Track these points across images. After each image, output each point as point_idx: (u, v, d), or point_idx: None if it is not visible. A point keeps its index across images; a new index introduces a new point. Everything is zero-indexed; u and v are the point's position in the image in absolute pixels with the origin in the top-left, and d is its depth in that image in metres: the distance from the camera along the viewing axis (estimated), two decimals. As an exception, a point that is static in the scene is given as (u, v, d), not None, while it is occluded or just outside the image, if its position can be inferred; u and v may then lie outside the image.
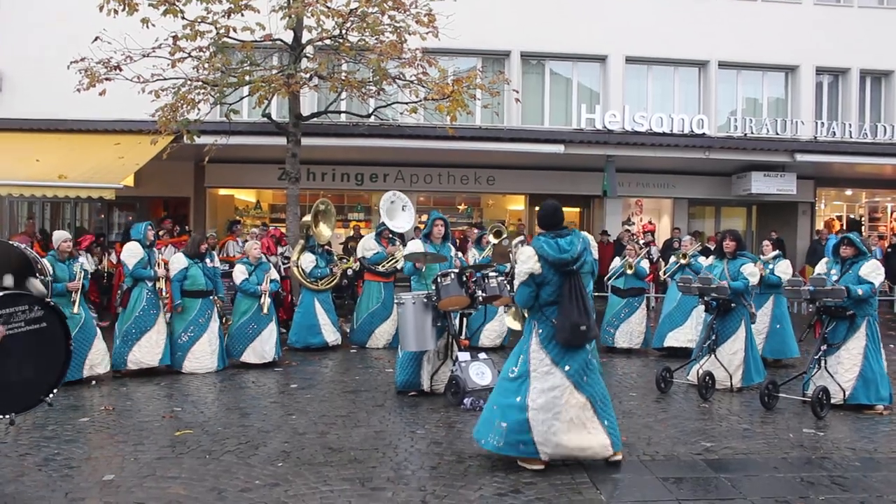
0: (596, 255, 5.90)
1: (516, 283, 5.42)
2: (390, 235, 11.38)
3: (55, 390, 4.71)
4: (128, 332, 8.74)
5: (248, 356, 9.41)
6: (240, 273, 9.58)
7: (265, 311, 9.49)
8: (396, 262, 11.15)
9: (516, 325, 7.01)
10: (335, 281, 11.16)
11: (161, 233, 14.05)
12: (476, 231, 13.51)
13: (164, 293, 8.95)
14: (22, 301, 4.45)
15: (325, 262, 11.00)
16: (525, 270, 5.28)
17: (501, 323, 10.84)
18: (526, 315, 5.59)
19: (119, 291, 11.27)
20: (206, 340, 9.08)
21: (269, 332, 9.53)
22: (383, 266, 11.14)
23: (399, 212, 11.03)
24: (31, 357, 4.48)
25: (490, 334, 10.74)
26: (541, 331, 5.34)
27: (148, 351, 8.74)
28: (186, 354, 8.99)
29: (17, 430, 6.05)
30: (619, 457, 5.39)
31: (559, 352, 5.26)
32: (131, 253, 8.87)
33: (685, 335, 10.21)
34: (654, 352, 10.60)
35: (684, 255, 10.53)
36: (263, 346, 9.46)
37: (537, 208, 5.76)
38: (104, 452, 5.72)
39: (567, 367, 5.25)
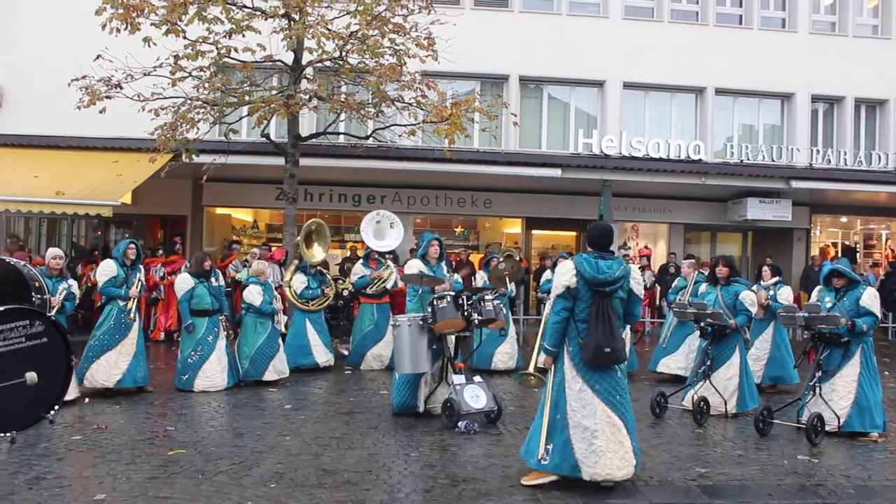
0: (642, 291, 5.88)
1: (552, 296, 5.51)
2: (377, 257, 11.36)
3: (56, 406, 4.66)
4: (90, 348, 8.66)
5: (269, 374, 9.49)
6: (257, 294, 9.58)
7: (282, 328, 9.64)
8: (385, 282, 11.12)
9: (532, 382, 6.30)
10: (327, 302, 11.11)
11: (159, 251, 14.06)
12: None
13: (132, 314, 8.73)
14: (22, 316, 4.43)
15: (318, 284, 10.95)
16: (563, 283, 5.39)
17: (513, 345, 10.91)
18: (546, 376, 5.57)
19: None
20: (216, 359, 9.07)
21: (282, 347, 9.75)
22: (371, 289, 11.09)
23: (388, 230, 11.06)
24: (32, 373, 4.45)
25: (503, 357, 10.78)
26: (571, 349, 5.42)
27: (104, 370, 8.56)
28: (197, 373, 8.96)
29: (7, 448, 6.02)
30: (611, 482, 5.39)
31: (588, 371, 5.34)
32: (103, 271, 8.82)
33: (676, 362, 10.23)
34: (650, 376, 10.57)
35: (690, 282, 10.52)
36: (282, 362, 9.62)
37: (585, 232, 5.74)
38: (96, 471, 5.67)
39: (597, 386, 5.33)
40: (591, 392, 5.33)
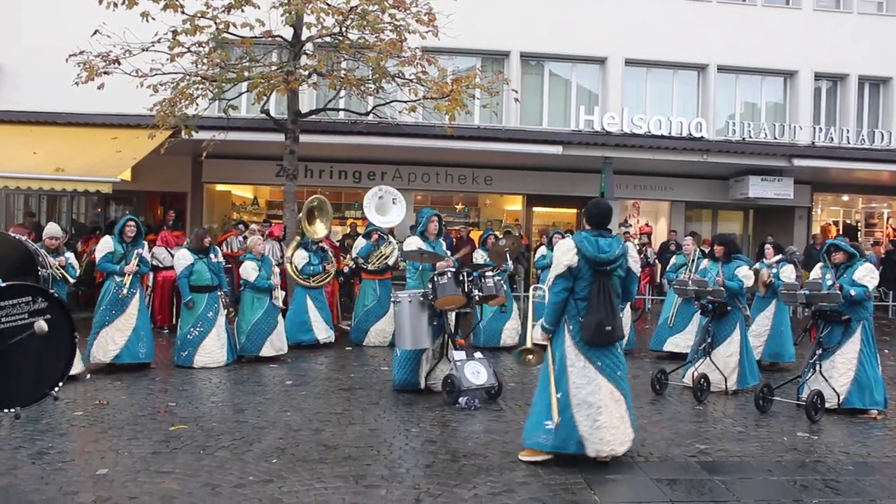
0: (638, 268, 5.87)
1: (552, 275, 5.45)
2: (380, 233, 11.37)
3: (61, 383, 4.64)
4: (93, 325, 8.71)
5: (267, 350, 9.49)
6: (252, 270, 9.56)
7: (279, 304, 9.61)
8: (387, 258, 11.13)
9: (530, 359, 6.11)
10: (328, 279, 11.12)
11: (166, 228, 14.00)
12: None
13: (125, 290, 8.66)
14: (25, 292, 4.39)
15: (319, 260, 10.94)
16: (564, 262, 5.34)
17: (518, 321, 10.96)
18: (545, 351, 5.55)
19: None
20: (215, 335, 9.09)
21: (280, 324, 9.69)
22: (372, 263, 11.09)
23: (390, 206, 11.04)
24: (35, 349, 4.41)
25: (511, 333, 10.84)
26: (571, 327, 5.41)
27: (102, 346, 8.60)
28: (197, 349, 8.98)
29: (10, 423, 6.04)
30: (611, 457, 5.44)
31: (589, 348, 5.36)
32: (101, 246, 8.87)
33: (685, 340, 10.10)
34: (651, 353, 10.58)
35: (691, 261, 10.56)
36: (280, 339, 9.62)
37: (583, 210, 5.71)
38: (98, 446, 5.69)
39: (599, 363, 5.37)
40: (594, 369, 5.35)
